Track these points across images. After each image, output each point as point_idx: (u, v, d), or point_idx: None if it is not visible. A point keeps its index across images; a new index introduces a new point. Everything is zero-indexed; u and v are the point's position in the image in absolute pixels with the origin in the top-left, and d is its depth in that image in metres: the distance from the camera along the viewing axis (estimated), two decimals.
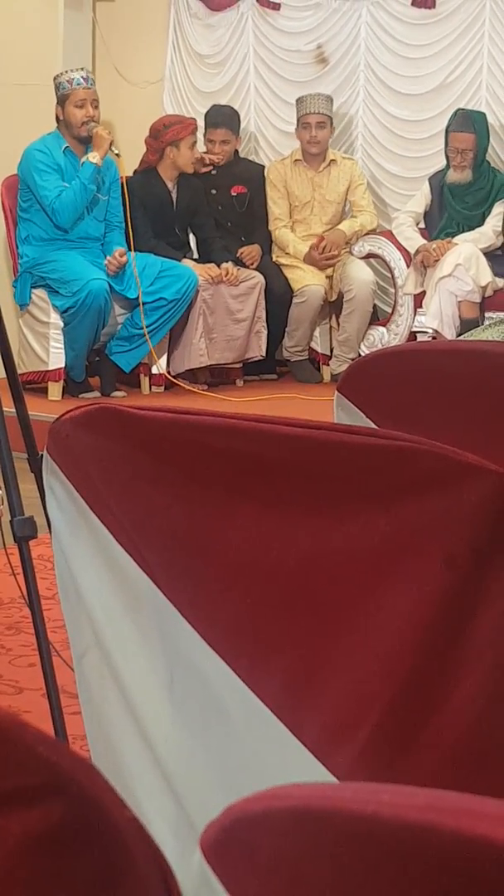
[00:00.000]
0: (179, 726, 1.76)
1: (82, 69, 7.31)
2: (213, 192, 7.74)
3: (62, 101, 7.18)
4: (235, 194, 7.78)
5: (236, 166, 7.84)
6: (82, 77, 7.19)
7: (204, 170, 7.68)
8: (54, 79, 7.20)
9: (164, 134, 7.47)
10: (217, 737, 1.72)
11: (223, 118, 7.82)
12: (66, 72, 7.22)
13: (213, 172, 7.76)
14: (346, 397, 2.27)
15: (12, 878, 0.77)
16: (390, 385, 2.26)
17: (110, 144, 7.14)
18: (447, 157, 7.46)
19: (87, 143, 7.19)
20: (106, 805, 0.81)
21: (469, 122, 7.35)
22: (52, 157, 7.18)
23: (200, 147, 7.81)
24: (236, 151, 7.90)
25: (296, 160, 7.81)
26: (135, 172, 7.59)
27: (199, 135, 7.81)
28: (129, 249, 7.22)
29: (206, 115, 7.86)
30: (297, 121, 7.75)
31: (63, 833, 0.80)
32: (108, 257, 7.14)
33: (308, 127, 7.67)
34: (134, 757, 1.81)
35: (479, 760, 1.60)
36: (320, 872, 0.79)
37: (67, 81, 7.16)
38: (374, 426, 2.20)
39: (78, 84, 7.15)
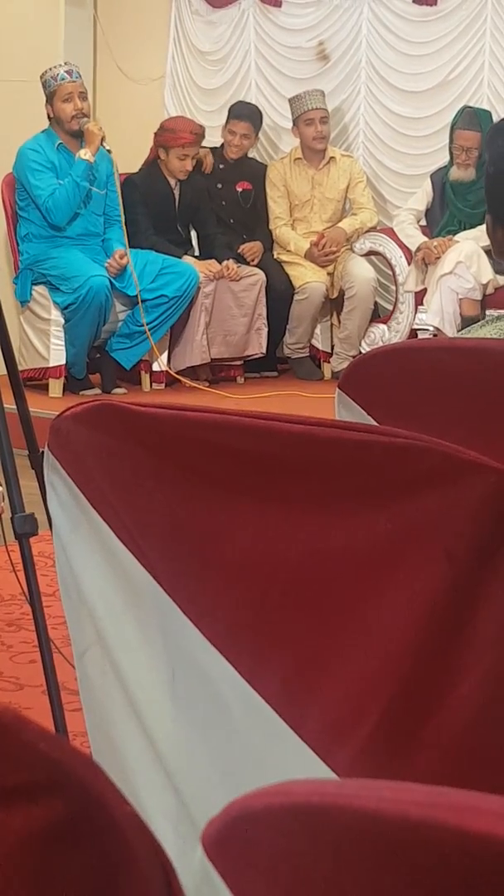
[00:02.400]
0: (180, 723, 1.76)
1: (66, 63, 7.29)
2: (219, 186, 7.75)
3: (50, 98, 7.18)
4: (241, 190, 7.78)
5: (244, 164, 7.85)
6: (66, 71, 7.17)
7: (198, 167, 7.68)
8: (40, 77, 7.18)
9: (160, 136, 7.52)
10: (218, 733, 1.72)
11: (249, 112, 7.84)
12: (51, 69, 7.21)
13: (221, 167, 7.77)
14: (348, 395, 2.27)
15: (14, 874, 0.77)
16: (391, 382, 2.26)
17: (101, 140, 7.14)
18: (451, 155, 7.45)
19: (80, 137, 7.19)
20: (107, 801, 0.81)
21: (475, 121, 7.35)
22: (45, 156, 7.18)
23: (215, 138, 7.81)
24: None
25: (296, 159, 7.81)
26: (142, 168, 7.61)
27: (214, 131, 7.82)
28: (127, 247, 7.22)
29: (232, 107, 7.87)
30: (296, 119, 7.75)
31: (64, 830, 0.80)
32: (109, 260, 7.14)
33: (312, 122, 7.67)
34: (135, 753, 1.81)
35: (481, 758, 1.60)
36: (322, 869, 0.79)
37: (52, 78, 7.15)
38: (375, 424, 2.20)
39: (62, 79, 7.14)
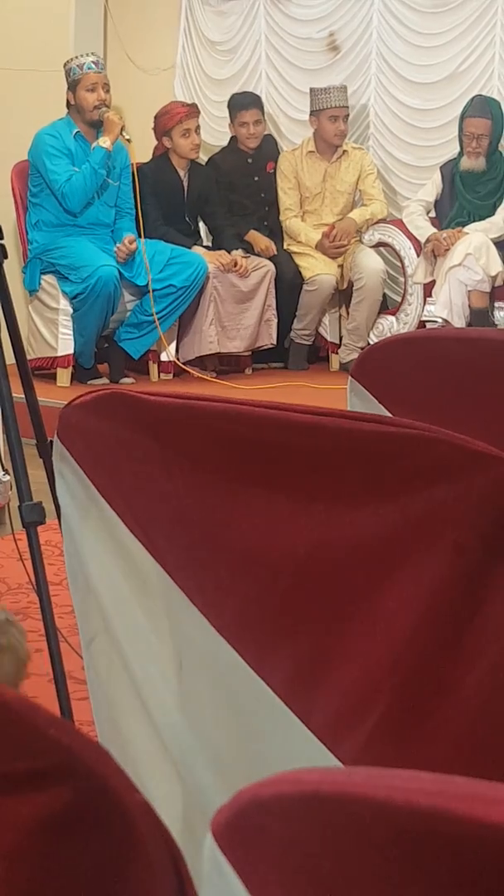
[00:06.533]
0: (188, 712, 1.76)
1: (92, 54, 7.31)
2: (256, 178, 7.77)
3: (73, 86, 7.18)
4: (271, 171, 7.81)
5: (267, 145, 7.86)
6: (93, 62, 7.19)
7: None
8: (64, 64, 7.20)
9: (157, 125, 7.51)
10: (225, 723, 1.73)
11: (251, 99, 7.82)
12: (77, 57, 7.23)
13: (250, 161, 7.77)
14: (360, 383, 2.27)
15: (23, 859, 0.77)
16: (403, 371, 2.26)
17: (121, 129, 7.14)
18: (461, 143, 7.43)
19: (98, 127, 7.19)
20: (116, 788, 0.81)
21: (486, 108, 7.32)
22: (62, 142, 7.18)
23: (224, 128, 7.80)
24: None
25: (309, 151, 7.77)
26: (151, 159, 7.61)
27: (224, 122, 7.81)
28: (139, 236, 7.21)
29: (233, 101, 7.81)
30: (317, 112, 7.67)
31: (73, 815, 0.80)
32: (118, 244, 7.14)
33: (336, 120, 7.62)
34: (142, 742, 1.81)
35: (488, 748, 1.60)
36: (330, 857, 0.80)
37: (78, 66, 7.16)
38: (386, 412, 2.20)
39: (89, 69, 7.16)
